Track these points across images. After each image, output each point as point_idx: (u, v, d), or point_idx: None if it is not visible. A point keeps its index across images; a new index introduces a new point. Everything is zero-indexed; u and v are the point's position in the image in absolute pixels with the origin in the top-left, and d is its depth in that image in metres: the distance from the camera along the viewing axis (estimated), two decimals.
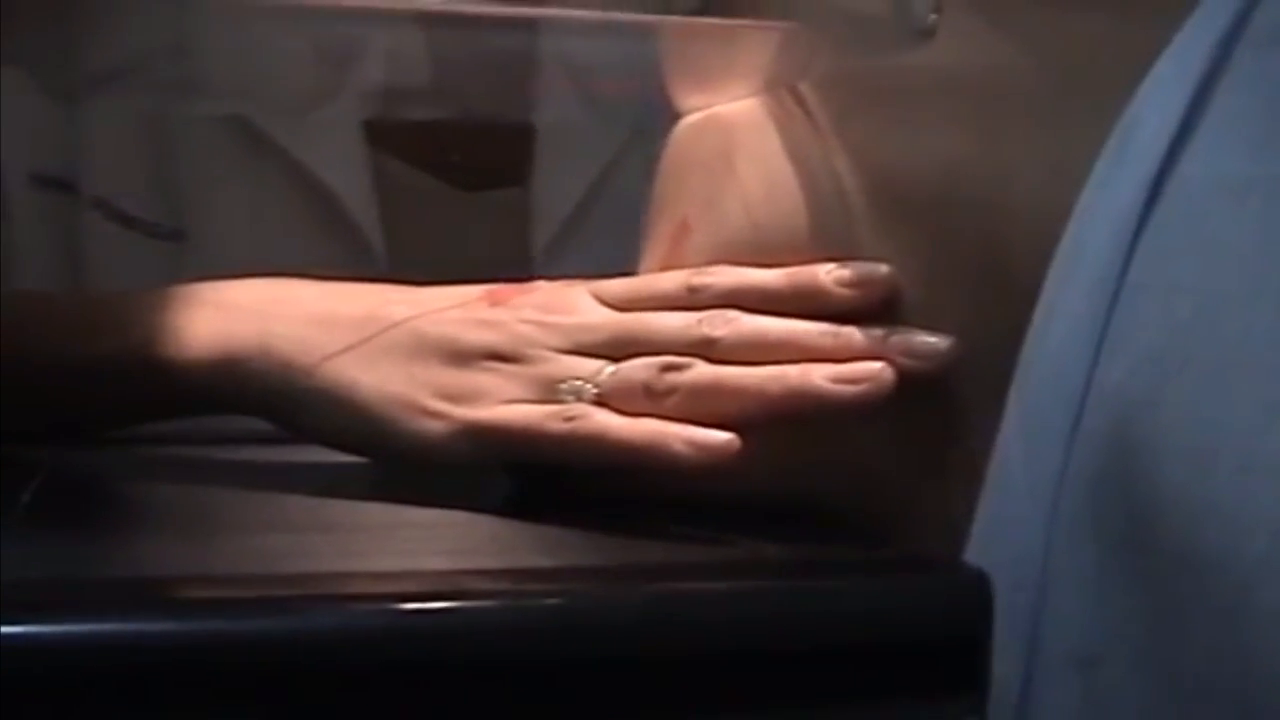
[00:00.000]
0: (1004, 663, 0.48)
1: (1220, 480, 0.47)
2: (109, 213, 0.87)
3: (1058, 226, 0.52)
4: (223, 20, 0.54)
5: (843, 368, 0.56)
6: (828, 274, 0.58)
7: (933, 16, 0.55)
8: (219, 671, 0.42)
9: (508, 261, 0.87)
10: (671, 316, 0.60)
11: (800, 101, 0.62)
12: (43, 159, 0.88)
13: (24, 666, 0.40)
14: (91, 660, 0.41)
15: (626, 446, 0.57)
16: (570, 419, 0.58)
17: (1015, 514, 0.51)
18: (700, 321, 0.59)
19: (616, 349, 0.60)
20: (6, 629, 0.40)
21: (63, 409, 0.67)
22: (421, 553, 0.53)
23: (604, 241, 0.84)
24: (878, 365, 0.56)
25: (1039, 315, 0.52)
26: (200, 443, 0.69)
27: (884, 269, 0.58)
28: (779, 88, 0.62)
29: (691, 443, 0.56)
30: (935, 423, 0.57)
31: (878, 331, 0.57)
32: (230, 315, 0.64)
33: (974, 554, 0.52)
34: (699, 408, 0.57)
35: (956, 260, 0.57)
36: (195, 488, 0.62)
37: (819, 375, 0.56)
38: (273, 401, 0.63)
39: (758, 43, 0.61)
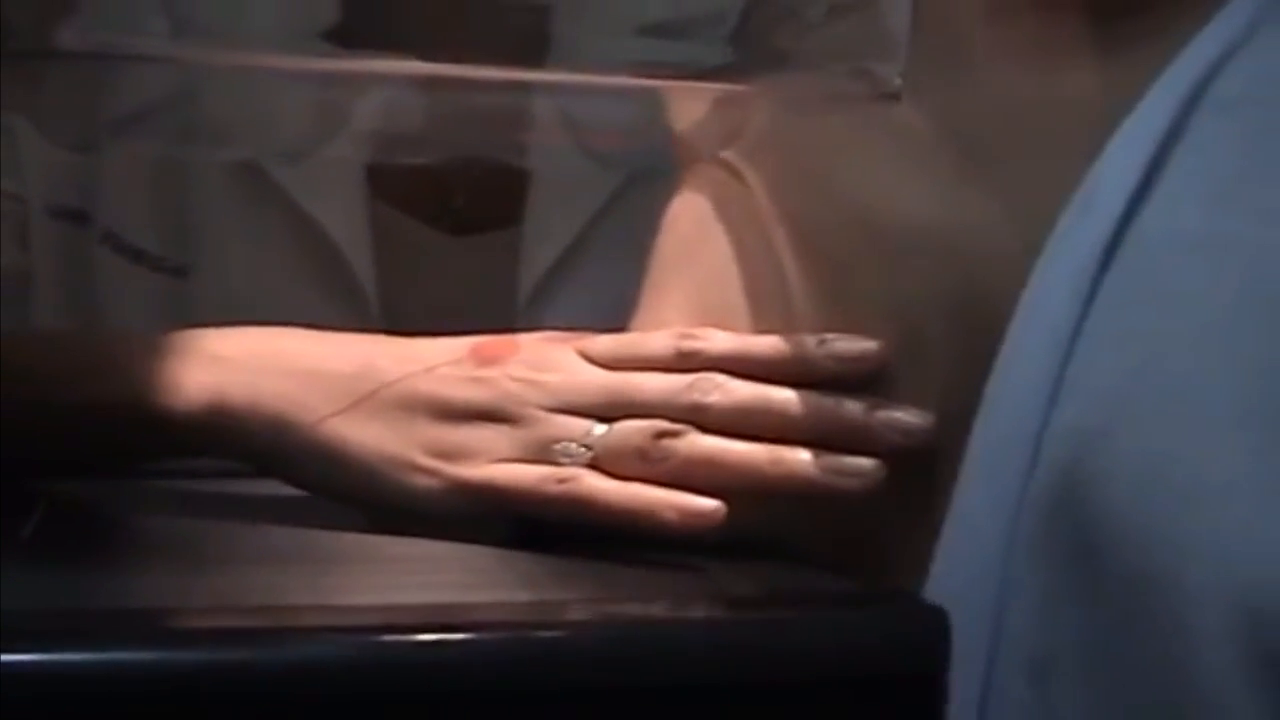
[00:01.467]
0: (962, 682, 0.50)
1: (1164, 509, 0.49)
2: (118, 246, 0.89)
3: (1020, 276, 0.55)
4: (226, 77, 0.55)
5: (843, 461, 0.58)
6: (819, 345, 0.60)
7: (898, 80, 0.56)
8: (211, 702, 0.42)
9: (494, 304, 0.88)
10: (661, 379, 0.61)
11: (737, 174, 0.64)
12: (58, 193, 0.90)
13: (22, 695, 0.41)
14: (88, 689, 0.42)
15: (617, 511, 0.58)
16: (562, 481, 0.59)
17: (975, 540, 0.53)
18: (690, 386, 0.60)
19: (606, 409, 0.61)
20: (6, 658, 0.41)
21: (52, 449, 0.68)
22: (411, 586, 0.54)
23: (592, 286, 0.86)
24: (873, 463, 0.58)
25: (1002, 357, 0.55)
26: (200, 476, 0.69)
27: (874, 346, 0.59)
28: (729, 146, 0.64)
29: (682, 511, 0.57)
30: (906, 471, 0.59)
31: (863, 404, 0.58)
32: (221, 368, 0.64)
33: (936, 578, 0.55)
34: (693, 475, 0.59)
35: (912, 322, 0.59)
36: (194, 520, 0.63)
37: (819, 465, 0.58)
38: (262, 456, 0.64)
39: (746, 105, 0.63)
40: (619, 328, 0.66)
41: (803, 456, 0.58)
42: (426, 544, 0.59)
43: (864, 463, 0.58)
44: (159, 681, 0.42)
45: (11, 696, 0.41)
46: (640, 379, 0.61)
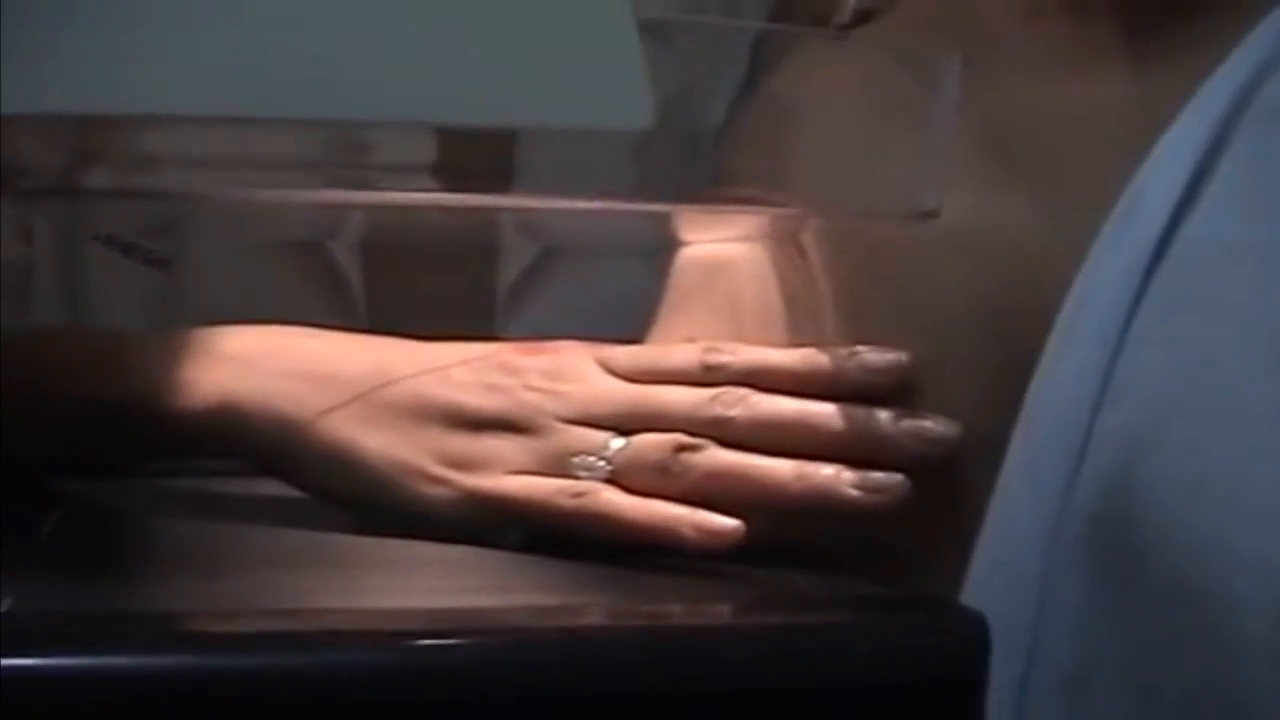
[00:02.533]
0: (998, 689, 0.49)
1: (1210, 519, 0.49)
2: (109, 240, 0.88)
3: (1058, 282, 0.55)
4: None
5: (869, 476, 0.57)
6: (849, 358, 0.59)
7: (938, 202, 0.56)
8: (228, 706, 0.42)
9: (473, 300, 0.87)
10: (683, 392, 0.60)
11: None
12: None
13: (31, 699, 0.41)
14: (103, 693, 0.42)
15: (635, 528, 0.58)
16: (579, 495, 0.58)
17: (1015, 544, 0.53)
18: (714, 400, 0.59)
19: (626, 422, 0.60)
20: (23, 661, 0.41)
21: (64, 444, 0.67)
22: (427, 589, 0.54)
23: (570, 287, 0.84)
24: (899, 478, 0.57)
25: (1044, 364, 0.55)
26: (218, 475, 0.68)
27: (904, 358, 0.59)
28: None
29: (700, 528, 0.57)
30: (940, 484, 0.59)
31: (889, 415, 0.58)
32: (230, 366, 0.63)
33: (973, 586, 0.54)
34: (713, 490, 0.58)
35: (948, 327, 0.59)
36: (211, 522, 0.63)
37: (845, 481, 0.57)
38: (271, 456, 0.63)
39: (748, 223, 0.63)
40: (622, 335, 0.65)
41: (828, 471, 0.58)
42: (441, 548, 0.58)
43: (891, 478, 0.57)
44: (175, 686, 0.42)
45: (19, 701, 0.41)
46: (662, 391, 0.60)
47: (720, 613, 0.52)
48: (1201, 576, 0.49)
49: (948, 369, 0.57)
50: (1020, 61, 0.65)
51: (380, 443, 0.61)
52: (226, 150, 0.47)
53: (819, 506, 0.57)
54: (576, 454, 0.59)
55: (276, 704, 0.43)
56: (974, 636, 0.49)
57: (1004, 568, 0.53)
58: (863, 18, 0.71)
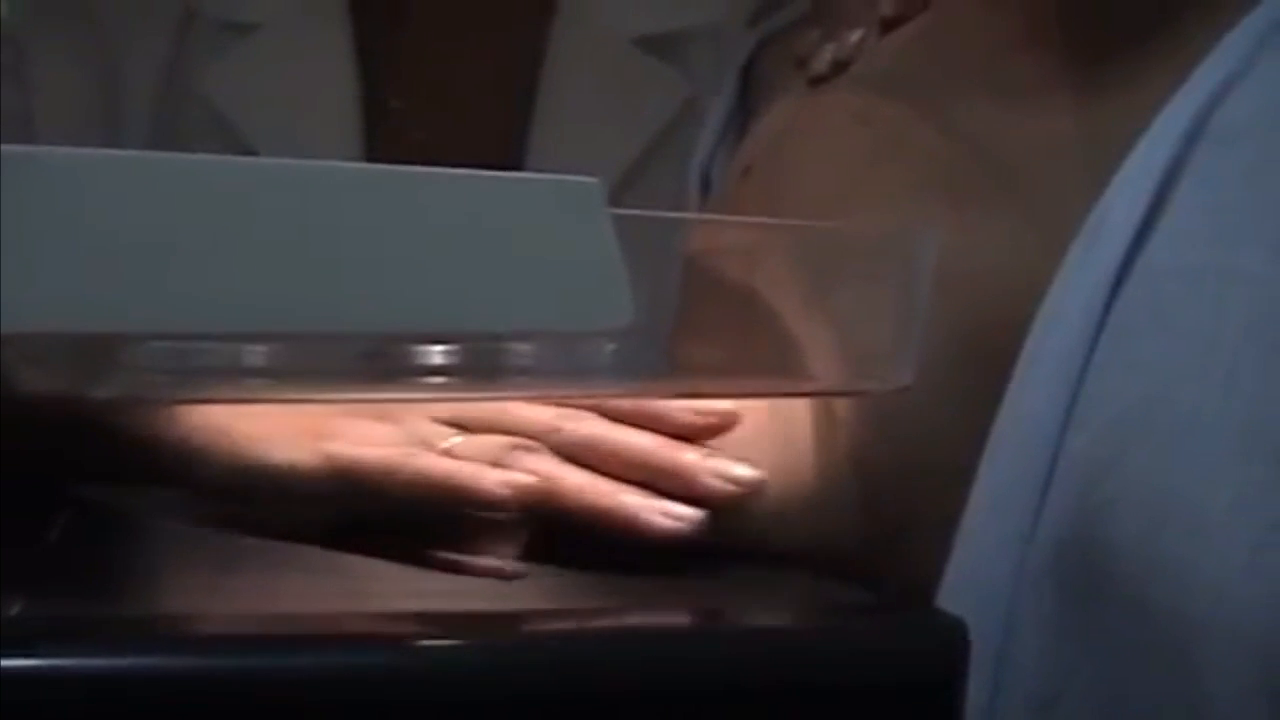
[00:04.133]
0: (968, 708, 0.50)
1: (1170, 541, 0.50)
2: None
3: (1032, 306, 0.56)
4: None
5: (666, 504, 0.58)
6: (701, 462, 0.59)
7: (913, 377, 0.57)
8: (234, 708, 0.43)
9: None
10: (539, 409, 0.61)
11: None
12: None
13: (51, 701, 0.42)
14: (114, 696, 0.42)
15: (446, 479, 0.58)
16: (413, 457, 0.59)
17: (984, 566, 0.54)
18: (558, 414, 0.61)
19: (483, 426, 0.61)
20: (31, 662, 0.42)
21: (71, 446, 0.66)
22: (429, 593, 0.54)
23: None
24: (695, 512, 0.57)
25: (1012, 388, 0.56)
26: None
27: (754, 476, 0.59)
28: None
29: (502, 483, 0.57)
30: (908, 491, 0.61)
31: (699, 454, 0.59)
32: None
33: (943, 604, 0.55)
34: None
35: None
36: (220, 525, 0.62)
37: (645, 506, 0.58)
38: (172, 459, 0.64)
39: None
40: None
41: (634, 497, 0.58)
42: (440, 554, 0.58)
43: (686, 510, 0.58)
44: (182, 689, 0.42)
45: (32, 703, 0.41)
46: (523, 407, 0.62)
47: (701, 616, 0.52)
48: (1163, 597, 0.50)
49: (924, 395, 0.58)
50: (988, 92, 0.66)
51: (267, 425, 0.62)
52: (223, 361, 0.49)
53: (615, 525, 0.58)
54: (423, 442, 0.61)
55: (283, 707, 0.43)
56: (953, 639, 0.49)
57: (973, 588, 0.54)
58: (839, 68, 0.74)
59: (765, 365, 0.58)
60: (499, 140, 0.96)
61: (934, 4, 0.75)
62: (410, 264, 0.46)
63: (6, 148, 0.42)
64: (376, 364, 0.51)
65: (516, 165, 0.94)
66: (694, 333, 0.57)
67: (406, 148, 0.96)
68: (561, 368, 0.53)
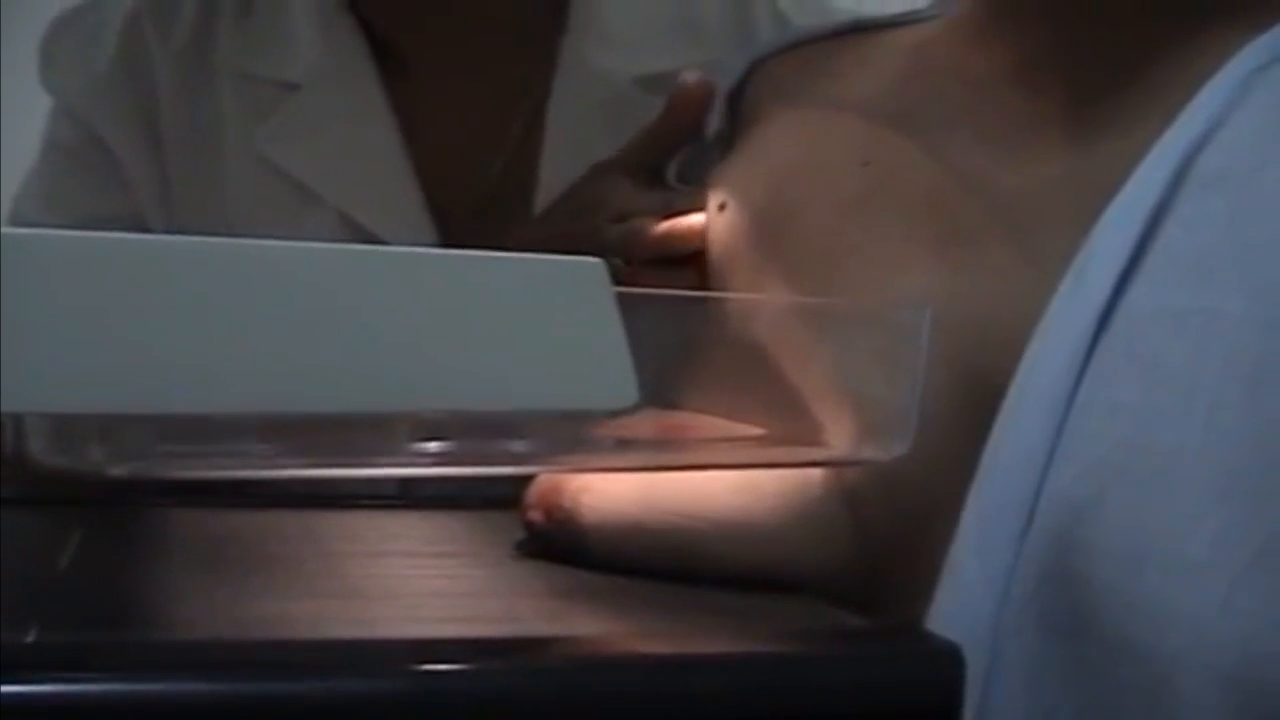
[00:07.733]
0: None
1: (1147, 580, 0.51)
2: None
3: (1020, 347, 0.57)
4: None
5: None
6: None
7: (908, 446, 0.57)
8: None
9: None
10: None
11: None
12: None
13: None
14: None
15: None
16: None
17: (967, 605, 0.55)
18: None
19: None
20: (43, 689, 0.42)
21: None
22: (439, 619, 0.54)
23: None
24: None
25: (998, 426, 0.57)
26: (236, 506, 0.70)
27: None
28: None
29: None
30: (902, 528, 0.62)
31: None
32: None
33: None
34: None
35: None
36: (231, 550, 0.64)
37: None
38: None
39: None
40: None
41: None
42: (451, 580, 0.60)
43: None
44: (195, 714, 0.43)
45: None
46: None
47: (699, 643, 0.52)
48: (1141, 637, 0.50)
49: (920, 435, 0.58)
50: (982, 133, 0.67)
51: None
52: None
53: None
54: None
55: None
56: (949, 665, 0.50)
57: (956, 622, 0.54)
58: None
59: (768, 433, 0.59)
60: (502, 184, 0.97)
61: (931, 43, 0.76)
62: (414, 343, 0.47)
63: (6, 230, 0.43)
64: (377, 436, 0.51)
65: (523, 207, 0.96)
66: (697, 402, 0.57)
67: None
68: (565, 440, 0.54)
